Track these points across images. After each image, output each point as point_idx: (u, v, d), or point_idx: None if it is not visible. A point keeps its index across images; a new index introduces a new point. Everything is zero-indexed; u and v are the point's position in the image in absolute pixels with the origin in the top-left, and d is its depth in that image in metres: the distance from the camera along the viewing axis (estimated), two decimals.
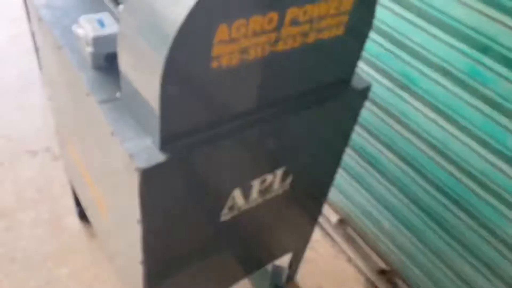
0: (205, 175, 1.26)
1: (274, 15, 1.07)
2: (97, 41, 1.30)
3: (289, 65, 1.23)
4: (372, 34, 1.91)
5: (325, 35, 1.23)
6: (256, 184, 1.46)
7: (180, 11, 0.93)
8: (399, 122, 1.96)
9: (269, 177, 1.48)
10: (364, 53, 1.98)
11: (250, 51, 1.10)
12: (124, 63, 1.15)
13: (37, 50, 1.73)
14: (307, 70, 1.30)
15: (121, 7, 1.42)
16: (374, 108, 2.04)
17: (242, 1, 0.99)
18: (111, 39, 1.30)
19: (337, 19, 1.22)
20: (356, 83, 1.47)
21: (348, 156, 2.31)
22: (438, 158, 1.87)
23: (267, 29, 1.09)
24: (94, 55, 1.32)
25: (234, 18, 1.00)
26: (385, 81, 1.96)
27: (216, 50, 1.03)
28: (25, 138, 2.77)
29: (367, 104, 2.05)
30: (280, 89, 1.28)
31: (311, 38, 1.20)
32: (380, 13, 1.84)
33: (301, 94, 1.34)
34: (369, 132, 2.13)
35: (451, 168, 1.84)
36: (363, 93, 1.49)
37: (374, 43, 1.93)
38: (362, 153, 2.23)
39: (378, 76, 1.97)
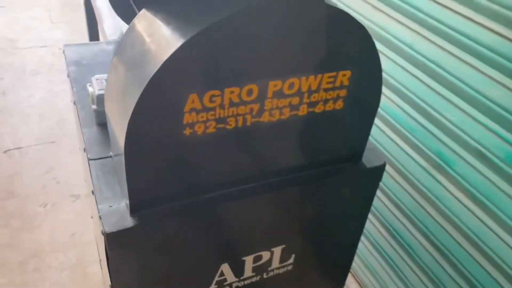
0: (183, 246, 1.20)
1: (252, 87, 1.02)
2: (101, 99, 1.33)
3: (278, 136, 1.16)
4: (405, 106, 1.78)
5: (320, 108, 1.15)
6: (248, 260, 1.36)
7: (143, 78, 0.92)
8: (433, 205, 1.77)
9: (265, 254, 1.37)
10: (397, 125, 1.84)
11: (229, 121, 1.06)
12: (108, 122, 1.16)
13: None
14: (300, 143, 1.22)
15: None
16: (407, 186, 1.87)
17: (208, 70, 0.96)
18: None
19: (333, 93, 1.14)
20: (368, 160, 1.36)
21: (380, 236, 2.12)
22: (473, 251, 1.64)
23: (246, 99, 1.04)
24: (98, 113, 1.35)
25: (204, 90, 0.97)
26: (419, 159, 1.79)
27: (188, 118, 1.00)
28: (72, 181, 2.90)
29: (400, 180, 1.88)
30: (270, 161, 1.20)
31: (303, 111, 1.13)
32: (414, 86, 1.72)
33: (296, 167, 1.25)
34: (401, 210, 1.94)
35: (487, 266, 1.59)
36: (375, 172, 1.36)
37: (407, 116, 1.79)
38: (392, 233, 2.03)
39: (411, 152, 1.81)
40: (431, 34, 1.62)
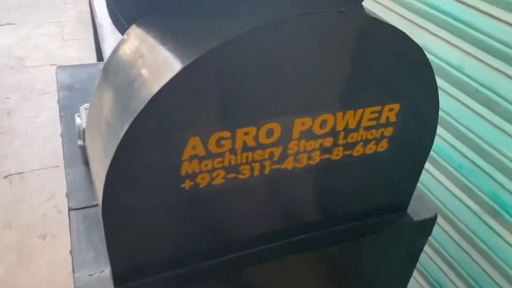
0: None
1: (273, 126, 0.78)
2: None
3: (305, 187, 0.91)
4: (452, 139, 1.51)
5: (358, 151, 0.90)
6: None
7: (126, 118, 0.68)
8: (488, 259, 1.48)
9: None
10: (443, 162, 1.56)
11: (242, 169, 0.81)
12: (90, 164, 0.92)
13: None
14: (333, 193, 0.96)
15: None
16: (456, 236, 1.57)
17: (215, 106, 0.72)
18: None
19: (376, 133, 0.88)
20: (415, 210, 1.09)
21: None
22: None
23: (265, 142, 0.79)
24: (83, 149, 1.12)
25: (210, 132, 0.73)
26: (470, 203, 1.51)
27: (187, 167, 0.75)
28: None
29: (448, 229, 1.59)
30: (293, 216, 0.95)
31: (337, 155, 0.88)
32: (463, 116, 1.45)
33: (327, 222, 1.00)
34: (450, 265, 1.64)
35: None
36: (423, 226, 1.09)
37: (455, 152, 1.51)
38: None
39: (461, 195, 1.53)
40: (483, 54, 1.35)
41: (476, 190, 1.45)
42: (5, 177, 2.89)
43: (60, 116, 1.29)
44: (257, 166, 0.82)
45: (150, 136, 0.69)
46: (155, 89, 0.66)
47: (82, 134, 1.10)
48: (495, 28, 1.30)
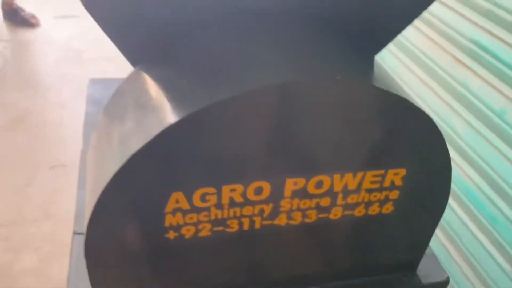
0: None
1: (262, 184, 0.75)
2: None
3: (301, 242, 0.87)
4: (489, 192, 1.39)
5: (360, 212, 0.85)
6: None
7: (111, 167, 0.67)
8: None
9: None
10: (478, 214, 1.44)
11: (230, 223, 0.78)
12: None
13: None
14: (331, 250, 0.91)
15: None
16: None
17: (201, 164, 0.70)
18: None
19: (379, 195, 0.83)
20: (425, 273, 1.02)
21: None
22: None
23: (252, 198, 0.76)
24: None
25: (193, 188, 0.71)
26: (501, 260, 1.39)
27: (171, 219, 0.74)
28: None
29: (476, 283, 1.48)
30: (287, 271, 0.91)
31: (336, 214, 0.83)
32: (506, 171, 1.33)
33: (322, 280, 0.95)
34: None
35: None
36: None
37: (492, 205, 1.39)
38: None
39: (493, 251, 1.41)
40: None
41: (508, 247, 1.33)
42: (50, 168, 3.04)
43: (83, 133, 1.32)
44: (246, 221, 0.79)
45: (133, 186, 0.68)
46: (138, 145, 0.65)
47: None
48: None
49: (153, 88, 0.74)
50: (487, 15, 1.33)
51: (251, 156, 0.71)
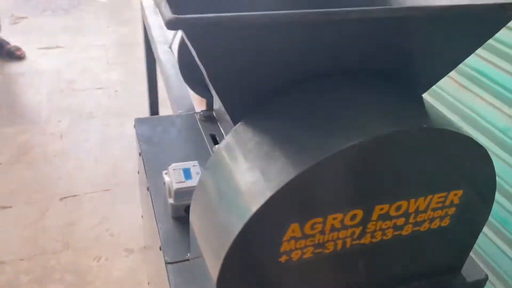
0: None
1: (357, 212, 0.92)
2: (179, 193, 1.27)
3: (377, 256, 1.05)
4: (505, 203, 1.61)
5: (425, 227, 1.03)
6: None
7: (243, 211, 0.83)
8: None
9: None
10: (500, 227, 1.65)
11: (327, 245, 0.96)
12: (192, 232, 1.08)
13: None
14: (400, 260, 1.10)
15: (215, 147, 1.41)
16: None
17: (316, 200, 0.87)
18: (193, 191, 1.27)
19: (441, 212, 1.02)
20: (467, 272, 1.22)
21: None
22: None
23: (348, 224, 0.94)
24: (175, 207, 1.28)
25: (307, 219, 0.88)
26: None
27: (285, 246, 0.91)
28: (126, 234, 2.87)
29: None
30: (367, 280, 1.09)
31: (407, 230, 1.02)
32: None
33: (390, 284, 1.13)
34: None
35: None
36: (475, 286, 1.22)
37: (507, 213, 1.61)
38: None
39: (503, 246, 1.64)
40: None
41: None
42: (61, 199, 3.11)
43: (145, 171, 1.46)
44: (340, 242, 0.96)
45: (261, 229, 0.84)
46: (270, 191, 0.81)
47: (174, 194, 1.26)
48: None
49: (269, 140, 0.90)
50: (486, 47, 1.56)
51: (353, 191, 0.88)
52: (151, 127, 1.66)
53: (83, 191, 3.17)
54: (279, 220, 0.86)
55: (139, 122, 1.68)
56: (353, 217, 0.93)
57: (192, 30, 0.76)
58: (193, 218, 1.04)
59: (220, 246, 0.87)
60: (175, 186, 1.27)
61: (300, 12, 0.78)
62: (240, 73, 0.89)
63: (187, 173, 1.31)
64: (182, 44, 1.73)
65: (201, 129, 1.66)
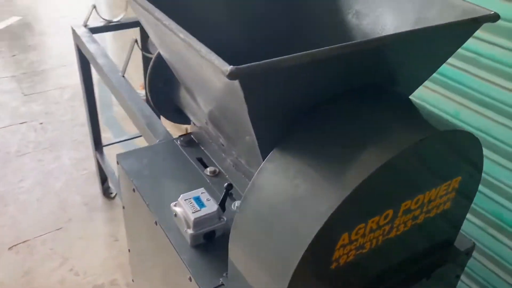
0: None
1: (389, 212, 1.05)
2: (198, 223, 1.31)
3: (398, 245, 1.19)
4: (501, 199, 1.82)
5: (433, 213, 1.19)
6: None
7: (304, 236, 0.91)
8: None
9: None
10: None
11: (366, 245, 1.07)
12: (236, 258, 1.13)
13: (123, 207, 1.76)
14: (413, 244, 1.25)
15: (236, 203, 1.45)
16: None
17: (362, 209, 0.98)
18: (210, 218, 1.32)
19: (445, 198, 1.19)
20: (458, 244, 1.41)
21: None
22: None
23: (382, 223, 1.06)
24: (194, 236, 1.32)
25: (355, 226, 0.99)
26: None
27: (336, 254, 1.01)
28: (92, 271, 2.76)
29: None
30: (390, 267, 1.23)
31: (421, 219, 1.17)
32: None
33: (406, 265, 1.29)
34: None
35: None
36: (467, 254, 1.42)
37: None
38: None
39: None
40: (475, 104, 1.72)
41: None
42: (10, 248, 2.89)
43: (147, 204, 1.46)
44: (374, 241, 1.09)
45: (320, 246, 0.93)
46: (330, 210, 0.90)
47: (192, 224, 1.30)
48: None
49: (311, 162, 0.99)
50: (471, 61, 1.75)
51: (390, 194, 1.01)
52: (137, 160, 1.65)
53: (33, 235, 2.99)
54: (335, 233, 0.96)
55: (122, 157, 1.66)
56: (385, 217, 1.05)
57: (251, 77, 0.82)
58: (235, 246, 1.10)
59: (281, 270, 0.95)
60: (193, 216, 1.30)
61: (339, 46, 0.89)
62: (279, 107, 0.97)
63: (199, 202, 1.35)
64: (152, 74, 1.73)
65: (186, 155, 1.69)
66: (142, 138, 3.25)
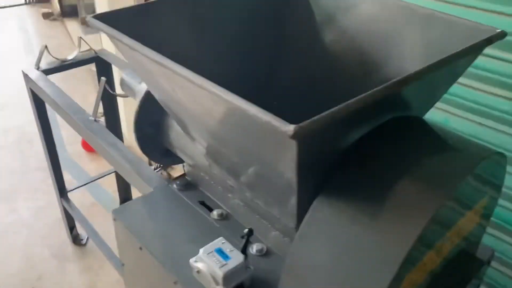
0: None
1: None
2: (228, 277, 1.22)
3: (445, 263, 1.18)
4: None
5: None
6: None
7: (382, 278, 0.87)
8: None
9: None
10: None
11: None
12: None
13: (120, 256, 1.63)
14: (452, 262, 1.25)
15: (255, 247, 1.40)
16: None
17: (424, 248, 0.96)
18: (239, 270, 1.24)
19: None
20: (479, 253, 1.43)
21: None
22: None
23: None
24: None
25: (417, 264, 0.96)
26: None
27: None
28: None
29: None
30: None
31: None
32: None
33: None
34: None
35: None
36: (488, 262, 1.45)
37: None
38: None
39: None
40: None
41: None
42: None
43: (164, 264, 1.35)
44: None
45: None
46: (399, 259, 0.86)
47: (223, 280, 1.21)
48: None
49: (366, 207, 0.95)
50: None
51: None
52: (135, 215, 1.53)
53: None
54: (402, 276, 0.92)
55: (118, 212, 1.53)
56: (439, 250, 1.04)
57: (311, 133, 0.76)
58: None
59: None
60: (221, 271, 1.21)
61: (384, 87, 0.85)
62: (326, 155, 0.92)
63: (222, 254, 1.26)
64: (139, 118, 1.62)
65: (186, 200, 1.59)
66: (107, 177, 3.10)
